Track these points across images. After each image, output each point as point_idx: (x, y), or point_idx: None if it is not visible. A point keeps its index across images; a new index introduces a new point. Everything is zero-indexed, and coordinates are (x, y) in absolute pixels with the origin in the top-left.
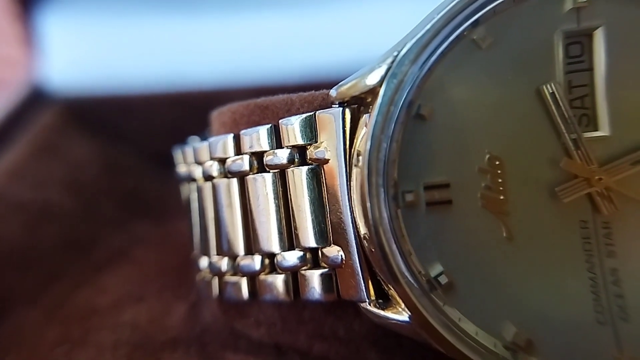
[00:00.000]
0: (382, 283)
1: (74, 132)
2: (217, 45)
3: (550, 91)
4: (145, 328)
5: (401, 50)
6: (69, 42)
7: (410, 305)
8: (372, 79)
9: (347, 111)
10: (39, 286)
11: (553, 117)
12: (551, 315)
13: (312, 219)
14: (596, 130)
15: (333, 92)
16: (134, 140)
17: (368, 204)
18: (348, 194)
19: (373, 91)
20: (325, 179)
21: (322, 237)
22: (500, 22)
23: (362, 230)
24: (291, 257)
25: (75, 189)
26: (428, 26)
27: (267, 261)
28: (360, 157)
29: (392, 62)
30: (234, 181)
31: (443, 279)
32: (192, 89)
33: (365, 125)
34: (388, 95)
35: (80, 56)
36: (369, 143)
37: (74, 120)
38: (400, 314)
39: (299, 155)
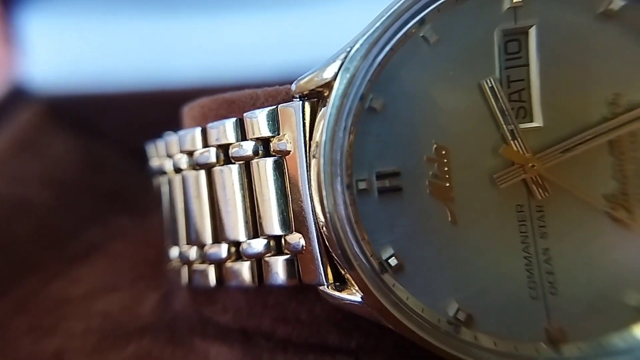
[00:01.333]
0: (339, 267)
1: (54, 129)
2: (197, 43)
3: (490, 85)
4: (116, 317)
5: (353, 46)
6: (50, 42)
7: (362, 287)
8: (327, 74)
9: (307, 104)
10: (12, 278)
11: (493, 110)
12: (490, 292)
13: (276, 208)
14: (531, 121)
15: (293, 86)
16: (115, 137)
17: (324, 192)
18: (308, 184)
19: (328, 85)
20: (287, 170)
21: (285, 225)
22: (444, 20)
23: (320, 217)
24: (256, 245)
25: (53, 184)
26: (377, 24)
27: (233, 249)
28: (318, 148)
29: (345, 57)
30: (202, 173)
31: (393, 261)
32: (172, 86)
33: (323, 118)
34: (341, 89)
35: (62, 55)
36: (325, 134)
37: (55, 118)
38: (354, 295)
39: (263, 147)
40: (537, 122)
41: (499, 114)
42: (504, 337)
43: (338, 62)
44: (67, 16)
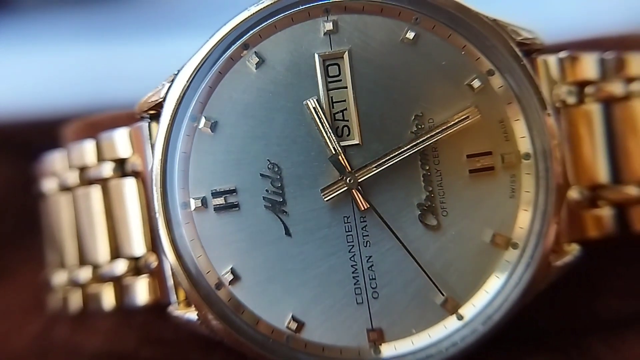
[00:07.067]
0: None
1: None
2: (140, 68)
3: (313, 106)
4: None
5: (180, 69)
6: None
7: (196, 304)
8: (157, 95)
9: (154, 125)
10: None
11: (318, 129)
12: (322, 301)
13: (133, 229)
14: (353, 139)
15: (136, 107)
16: None
17: (161, 212)
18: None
19: (161, 105)
20: (141, 190)
21: (142, 245)
22: (266, 44)
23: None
24: (115, 267)
25: None
26: (201, 49)
27: (94, 272)
28: (153, 168)
29: (173, 80)
30: (64, 196)
31: (229, 277)
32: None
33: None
34: (169, 111)
35: (3, 82)
36: (158, 155)
37: None
38: (192, 314)
39: (120, 168)
40: (357, 140)
41: (323, 132)
42: (332, 343)
43: (167, 85)
44: (13, 44)
